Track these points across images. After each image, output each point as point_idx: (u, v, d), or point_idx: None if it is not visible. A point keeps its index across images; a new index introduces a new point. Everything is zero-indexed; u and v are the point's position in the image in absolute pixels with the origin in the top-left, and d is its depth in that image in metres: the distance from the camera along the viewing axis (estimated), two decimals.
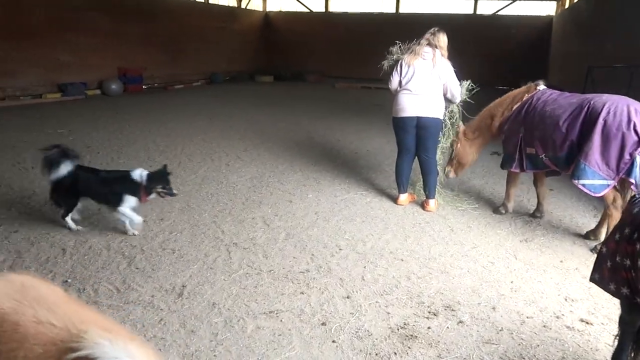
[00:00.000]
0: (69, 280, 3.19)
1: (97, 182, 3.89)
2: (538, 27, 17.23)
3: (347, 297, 3.16)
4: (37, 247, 3.65)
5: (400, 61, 4.74)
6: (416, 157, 4.92)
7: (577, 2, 13.66)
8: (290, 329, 2.79)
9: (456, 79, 4.80)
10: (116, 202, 3.82)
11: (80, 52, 11.90)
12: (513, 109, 4.52)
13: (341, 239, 4.07)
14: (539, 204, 4.74)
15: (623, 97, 3.96)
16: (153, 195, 3.94)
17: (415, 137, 4.79)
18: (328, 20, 19.59)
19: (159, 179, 3.92)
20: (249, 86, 15.85)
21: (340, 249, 3.86)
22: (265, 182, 5.45)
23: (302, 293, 3.19)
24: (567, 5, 15.44)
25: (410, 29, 17.43)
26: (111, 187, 3.86)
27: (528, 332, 2.85)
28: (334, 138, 7.94)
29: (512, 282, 3.44)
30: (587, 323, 2.95)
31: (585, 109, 3.88)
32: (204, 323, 2.81)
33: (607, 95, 3.95)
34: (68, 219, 3.96)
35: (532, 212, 4.79)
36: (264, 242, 3.92)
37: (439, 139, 4.98)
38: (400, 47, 4.99)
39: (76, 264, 3.43)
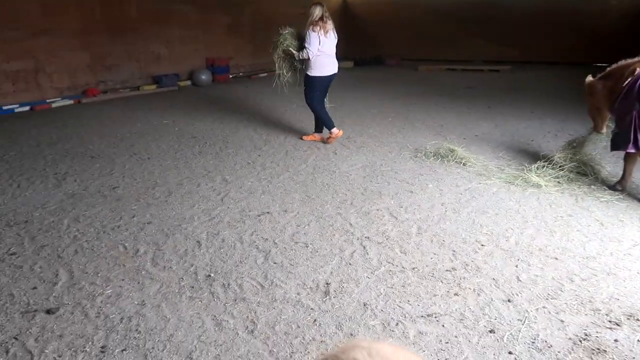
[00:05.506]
0: (212, 275, 3.13)
1: None
2: None
3: (509, 301, 2.85)
4: (172, 239, 3.64)
5: (315, 32, 5.76)
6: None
7: None
8: (456, 335, 2.54)
9: None
10: None
11: (172, 44, 12.22)
12: (624, 85, 4.26)
13: (479, 233, 3.75)
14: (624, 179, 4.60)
15: None
16: None
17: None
18: (407, 2, 18.86)
19: None
20: None
21: (482, 245, 3.55)
22: (379, 171, 5.21)
23: (455, 294, 2.92)
24: None
25: (491, 6, 16.52)
26: None
27: None
28: (436, 123, 7.54)
29: None
30: None
31: None
32: (361, 326, 2.63)
33: None
34: None
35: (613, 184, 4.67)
36: (397, 236, 3.69)
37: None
38: (288, 31, 6.10)
39: (214, 257, 3.37)
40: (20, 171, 5.22)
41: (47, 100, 9.23)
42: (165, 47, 12.08)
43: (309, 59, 5.88)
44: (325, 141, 6.36)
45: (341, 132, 6.37)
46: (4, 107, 8.45)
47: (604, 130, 4.97)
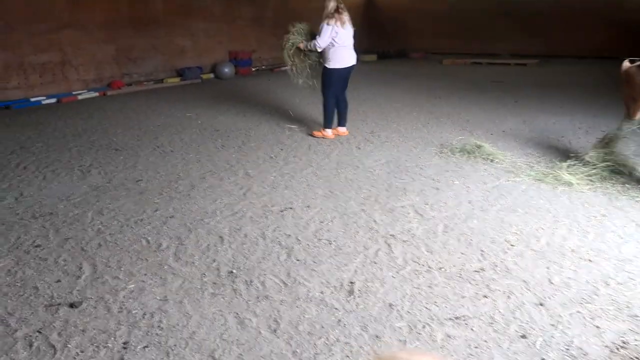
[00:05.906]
0: (234, 271, 3.09)
1: None
2: None
3: (541, 305, 2.74)
4: (195, 233, 3.62)
5: (330, 25, 5.72)
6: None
7: None
8: (486, 340, 2.45)
9: None
10: None
11: (196, 37, 12.24)
12: None
13: (508, 233, 3.62)
14: None
15: None
16: None
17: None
18: None
19: None
20: None
21: (511, 245, 3.43)
22: (404, 167, 5.11)
23: (485, 297, 2.82)
24: None
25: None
26: None
27: None
28: (462, 118, 7.37)
29: None
30: None
31: None
32: (387, 327, 2.55)
33: None
34: None
35: None
36: (423, 235, 3.59)
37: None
38: (300, 28, 6.21)
39: (236, 253, 3.33)
40: (46, 163, 5.27)
41: (74, 93, 9.36)
42: (189, 39, 12.11)
43: (316, 50, 5.92)
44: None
45: (333, 135, 6.26)
46: (32, 99, 8.59)
47: (638, 116, 4.74)
